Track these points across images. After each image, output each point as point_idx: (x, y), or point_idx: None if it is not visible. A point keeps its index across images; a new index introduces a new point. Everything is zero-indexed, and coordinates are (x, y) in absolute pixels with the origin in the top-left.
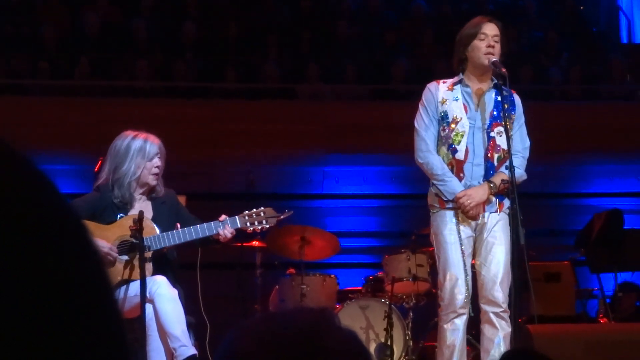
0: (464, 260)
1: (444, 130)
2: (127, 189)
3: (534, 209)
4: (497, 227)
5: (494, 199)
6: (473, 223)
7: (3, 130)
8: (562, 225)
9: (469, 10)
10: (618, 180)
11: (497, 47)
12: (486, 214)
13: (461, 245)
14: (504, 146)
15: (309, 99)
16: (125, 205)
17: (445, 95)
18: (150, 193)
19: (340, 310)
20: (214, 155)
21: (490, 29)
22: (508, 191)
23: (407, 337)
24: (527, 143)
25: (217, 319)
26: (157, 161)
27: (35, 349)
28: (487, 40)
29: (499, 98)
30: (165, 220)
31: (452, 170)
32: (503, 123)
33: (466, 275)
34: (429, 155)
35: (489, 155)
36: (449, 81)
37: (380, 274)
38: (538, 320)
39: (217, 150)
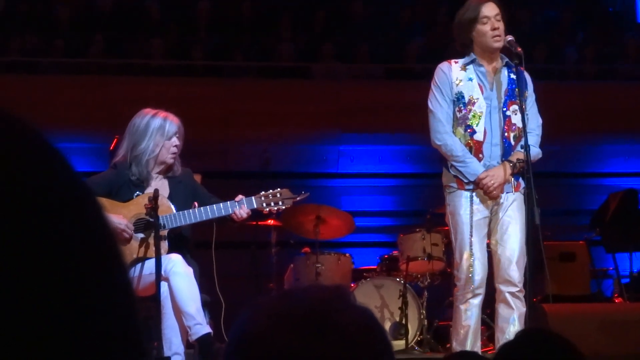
0: (479, 241)
1: (460, 111)
2: (144, 166)
3: (549, 188)
4: (512, 207)
5: (512, 178)
6: (490, 203)
7: (18, 109)
8: (578, 205)
9: None
10: (634, 160)
11: (501, 26)
12: (503, 194)
13: (477, 225)
14: (519, 124)
15: (323, 78)
16: (142, 183)
17: (458, 76)
18: (167, 172)
19: (355, 289)
20: (229, 134)
21: (490, 10)
22: (524, 170)
23: (422, 316)
24: (540, 121)
25: (232, 297)
26: (175, 140)
27: (47, 324)
28: (491, 23)
29: (512, 76)
30: (181, 199)
31: (470, 151)
32: (518, 101)
33: (482, 255)
34: (447, 136)
35: (506, 134)
36: (461, 61)
37: (395, 253)
38: (553, 299)
39: (231, 129)
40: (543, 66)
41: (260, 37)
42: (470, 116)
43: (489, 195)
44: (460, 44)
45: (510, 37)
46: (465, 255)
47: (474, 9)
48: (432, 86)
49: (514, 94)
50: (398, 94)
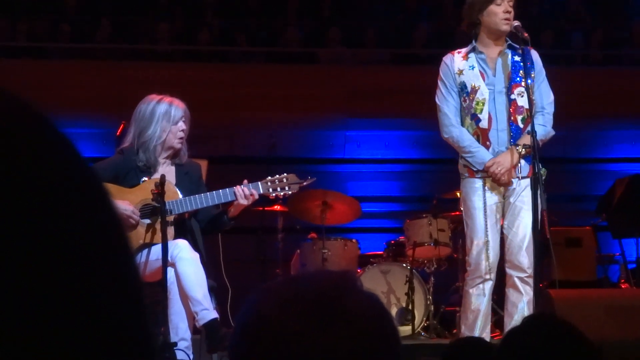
0: (491, 227)
1: (465, 101)
2: (152, 152)
3: (555, 174)
4: (525, 192)
5: (523, 162)
6: (502, 189)
7: (25, 94)
8: (584, 191)
9: None
10: None
11: (513, 12)
12: (515, 180)
13: (489, 211)
14: (527, 106)
15: (330, 63)
16: (149, 169)
17: (460, 66)
18: (174, 157)
19: (361, 275)
20: (236, 119)
21: None
22: (532, 155)
23: (428, 302)
24: (551, 97)
25: (238, 283)
26: (182, 125)
27: (55, 311)
28: (504, 6)
29: (517, 58)
30: (186, 188)
31: (478, 140)
32: (523, 83)
33: (493, 241)
34: (453, 129)
35: (513, 118)
36: (463, 50)
37: (401, 238)
38: (559, 285)
39: (238, 114)
40: (550, 51)
41: (266, 22)
42: (474, 105)
43: (498, 183)
44: (468, 23)
45: (517, 23)
46: (476, 241)
47: None
48: (438, 80)
49: (519, 76)
50: (404, 79)
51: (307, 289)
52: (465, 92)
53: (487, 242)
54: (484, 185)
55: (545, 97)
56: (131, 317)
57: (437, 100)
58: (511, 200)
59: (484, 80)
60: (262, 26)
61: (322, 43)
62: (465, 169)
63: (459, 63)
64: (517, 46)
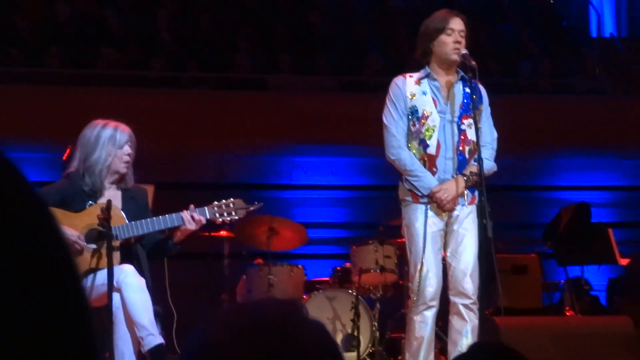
0: (434, 253)
1: (414, 125)
2: (98, 176)
3: (502, 201)
4: (468, 220)
5: (466, 192)
6: (444, 216)
7: None
8: (530, 218)
9: (443, 3)
10: (586, 174)
11: (464, 42)
12: (458, 207)
13: (432, 238)
14: (474, 138)
15: (279, 89)
16: (95, 194)
17: (413, 90)
18: (120, 182)
19: (307, 301)
20: (184, 145)
21: (457, 24)
22: (477, 184)
23: (374, 328)
24: (495, 134)
25: (184, 308)
26: (127, 149)
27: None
28: (455, 36)
29: (467, 90)
30: (132, 213)
31: (424, 165)
32: (472, 115)
33: (436, 268)
34: (401, 151)
35: (461, 148)
36: (416, 75)
37: (347, 265)
38: (505, 312)
39: (186, 140)
40: (499, 80)
41: (217, 49)
42: (423, 130)
43: (443, 209)
44: (421, 52)
45: (464, 51)
46: (419, 268)
47: (442, 19)
48: (387, 101)
49: (469, 108)
50: (354, 106)
51: (256, 318)
52: (415, 117)
53: (430, 269)
54: (427, 212)
55: (491, 132)
56: (80, 341)
57: (385, 120)
58: (454, 227)
59: (435, 107)
60: (213, 53)
61: (272, 70)
62: (408, 193)
63: (411, 87)
64: (468, 78)
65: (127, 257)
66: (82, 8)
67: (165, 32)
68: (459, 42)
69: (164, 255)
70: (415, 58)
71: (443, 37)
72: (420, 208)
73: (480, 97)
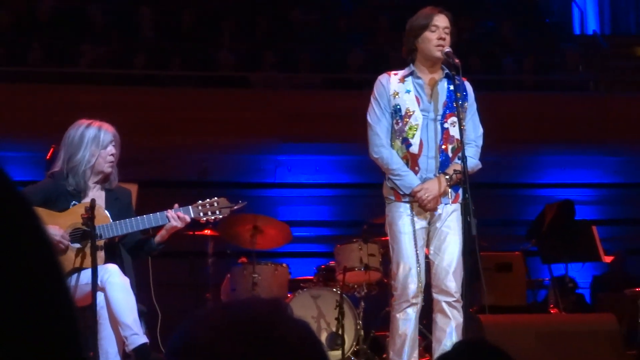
0: (417, 251)
1: (397, 123)
2: (82, 177)
3: (486, 199)
4: (451, 218)
5: (450, 190)
6: (428, 214)
7: None
8: (514, 216)
9: None
10: (570, 171)
11: (448, 39)
12: (441, 205)
13: (415, 236)
14: (458, 136)
15: (263, 87)
16: (79, 194)
17: (396, 88)
18: (104, 181)
19: (292, 300)
20: (167, 143)
21: (442, 21)
22: (461, 182)
23: (358, 327)
24: (480, 131)
25: (168, 307)
26: (111, 149)
27: None
28: (439, 33)
29: (452, 87)
30: (115, 214)
31: (407, 164)
32: (456, 113)
33: (419, 266)
34: (383, 150)
35: (444, 147)
36: (400, 73)
37: (332, 263)
38: (489, 310)
39: (170, 138)
40: (481, 76)
41: (199, 45)
42: (406, 129)
43: (425, 208)
44: (407, 49)
45: (448, 49)
46: (402, 265)
47: (426, 16)
48: (372, 99)
49: (453, 106)
50: (337, 103)
51: (240, 317)
52: (398, 115)
53: (412, 266)
54: (411, 210)
55: (475, 129)
56: (65, 340)
57: (369, 118)
58: (437, 225)
59: (418, 106)
60: (195, 49)
61: (255, 67)
62: (391, 191)
63: (395, 85)
64: (456, 77)
65: (112, 256)
66: (64, 4)
67: (148, 29)
68: (442, 39)
69: (146, 255)
70: (402, 56)
71: (427, 34)
72: (404, 206)
73: (466, 94)
